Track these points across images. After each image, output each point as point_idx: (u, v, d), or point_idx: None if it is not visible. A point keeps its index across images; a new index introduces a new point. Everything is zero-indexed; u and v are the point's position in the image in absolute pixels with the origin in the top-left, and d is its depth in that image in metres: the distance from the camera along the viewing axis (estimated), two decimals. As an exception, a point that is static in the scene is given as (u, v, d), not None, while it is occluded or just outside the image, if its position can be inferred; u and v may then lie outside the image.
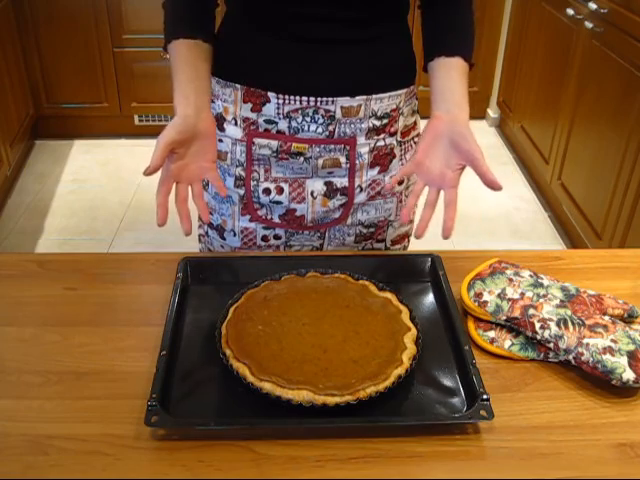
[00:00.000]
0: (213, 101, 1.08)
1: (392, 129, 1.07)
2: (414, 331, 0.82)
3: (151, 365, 0.78)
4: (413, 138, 1.15)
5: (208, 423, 0.72)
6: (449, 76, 0.96)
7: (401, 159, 1.12)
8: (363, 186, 1.09)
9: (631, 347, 0.79)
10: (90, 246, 2.64)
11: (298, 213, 1.09)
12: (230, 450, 0.70)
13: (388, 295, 0.89)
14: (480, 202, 2.99)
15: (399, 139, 1.10)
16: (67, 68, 3.22)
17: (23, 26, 3.10)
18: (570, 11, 2.54)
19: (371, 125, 1.04)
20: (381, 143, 1.07)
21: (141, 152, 3.34)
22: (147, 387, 0.74)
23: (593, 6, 2.34)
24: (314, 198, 1.08)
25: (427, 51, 1.01)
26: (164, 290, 0.93)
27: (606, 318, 0.84)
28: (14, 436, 0.72)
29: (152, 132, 3.36)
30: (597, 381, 0.80)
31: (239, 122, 1.04)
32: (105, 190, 3.04)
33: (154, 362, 0.78)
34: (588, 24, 2.39)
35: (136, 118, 3.41)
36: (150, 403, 0.72)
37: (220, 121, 1.07)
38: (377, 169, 1.09)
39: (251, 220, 1.11)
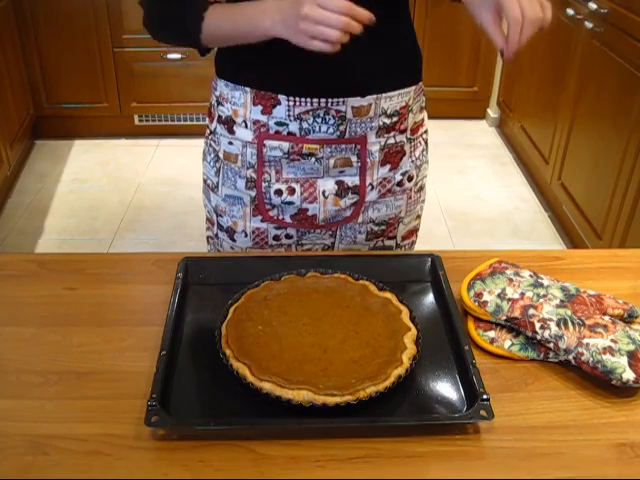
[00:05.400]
0: (222, 104, 1.07)
1: (402, 126, 1.08)
2: (414, 331, 0.82)
3: (151, 365, 0.78)
4: (422, 134, 1.15)
5: (208, 423, 0.72)
6: None
7: (410, 156, 1.12)
8: (374, 184, 1.10)
9: (631, 347, 0.79)
10: (90, 246, 2.64)
11: (310, 213, 1.09)
12: (230, 450, 0.70)
13: (388, 295, 0.89)
14: (480, 202, 2.99)
15: (409, 136, 1.11)
16: (67, 68, 3.22)
17: (23, 26, 3.09)
18: (570, 11, 2.54)
19: (381, 123, 1.04)
20: (391, 141, 1.07)
21: (141, 152, 3.34)
22: (147, 387, 0.74)
23: (593, 6, 2.34)
24: (325, 197, 1.08)
25: None
26: (164, 290, 0.93)
27: (606, 318, 0.84)
28: (14, 436, 0.72)
29: (152, 132, 3.43)
30: (597, 381, 0.79)
31: (249, 125, 1.04)
32: (105, 190, 3.04)
33: (154, 362, 0.78)
34: (588, 24, 2.39)
35: (136, 118, 3.41)
36: (150, 403, 0.72)
37: (230, 124, 1.07)
38: (388, 167, 1.09)
39: (262, 220, 1.11)
